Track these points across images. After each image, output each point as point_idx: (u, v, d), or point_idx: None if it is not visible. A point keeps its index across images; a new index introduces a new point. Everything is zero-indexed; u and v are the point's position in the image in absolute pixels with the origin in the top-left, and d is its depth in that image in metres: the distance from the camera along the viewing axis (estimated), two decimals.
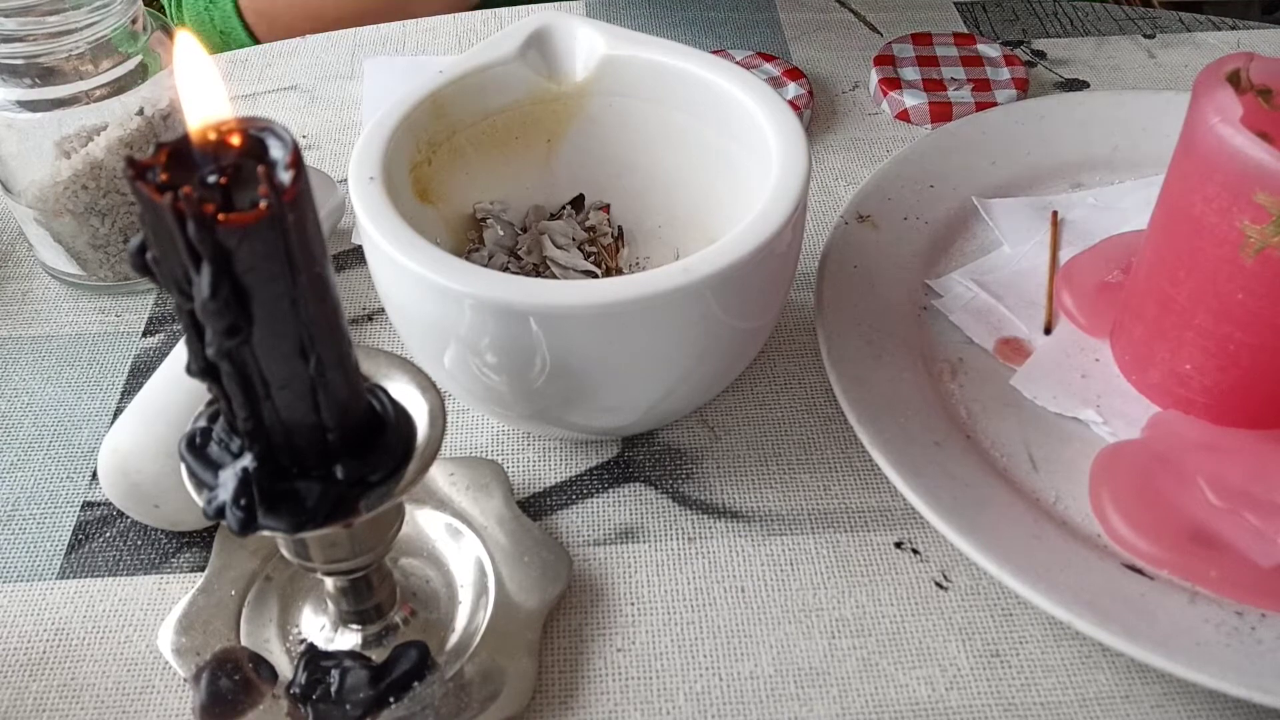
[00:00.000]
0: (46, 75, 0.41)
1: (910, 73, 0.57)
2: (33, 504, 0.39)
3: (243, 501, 0.25)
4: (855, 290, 0.43)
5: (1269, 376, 0.37)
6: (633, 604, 0.36)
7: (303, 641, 0.33)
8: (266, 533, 0.26)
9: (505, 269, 0.43)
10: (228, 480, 0.26)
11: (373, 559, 0.30)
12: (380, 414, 0.28)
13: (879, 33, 0.62)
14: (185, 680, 0.32)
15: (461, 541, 0.36)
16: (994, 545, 0.34)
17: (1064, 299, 0.44)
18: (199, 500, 0.26)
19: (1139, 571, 0.34)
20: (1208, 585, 0.34)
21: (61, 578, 0.37)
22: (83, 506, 0.39)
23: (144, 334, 0.45)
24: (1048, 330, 0.43)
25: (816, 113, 0.56)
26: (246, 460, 0.26)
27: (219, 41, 0.73)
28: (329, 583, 0.32)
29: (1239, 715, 0.33)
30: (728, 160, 0.40)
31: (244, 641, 0.33)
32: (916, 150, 0.49)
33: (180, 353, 0.38)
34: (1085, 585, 0.33)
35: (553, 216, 0.44)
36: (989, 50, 0.58)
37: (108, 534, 0.38)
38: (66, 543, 0.38)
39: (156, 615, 0.35)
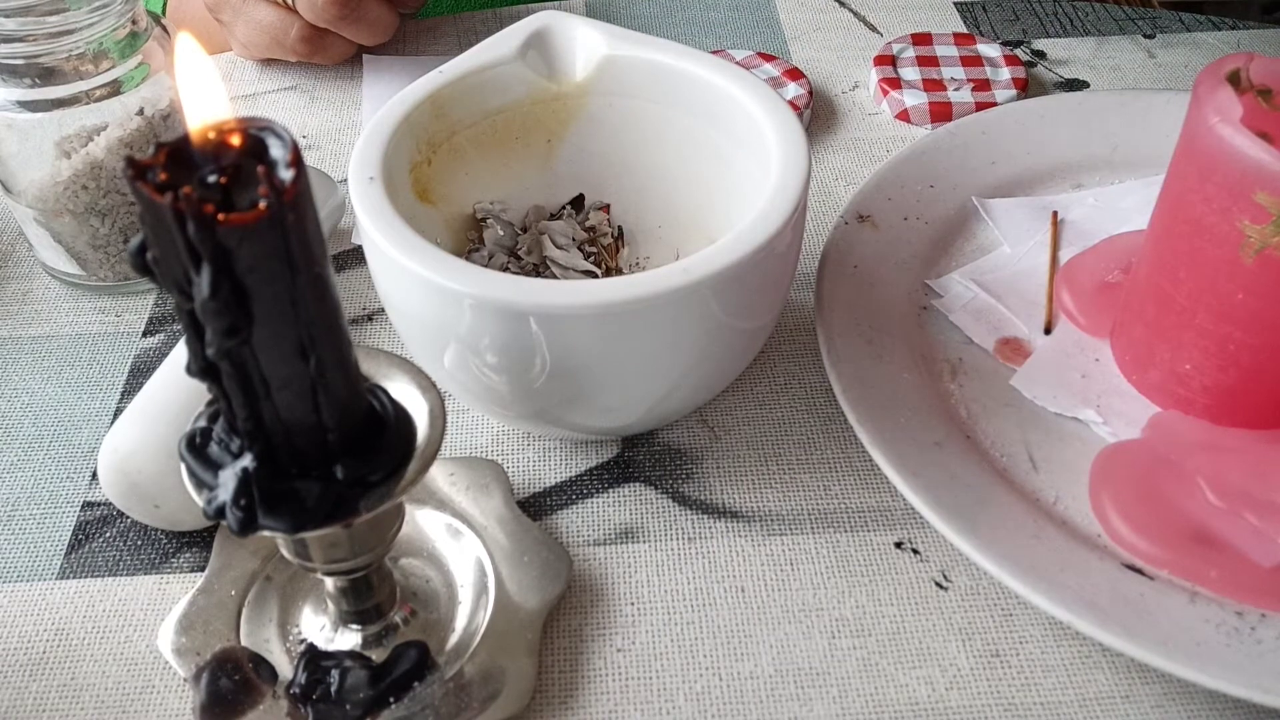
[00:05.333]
0: (46, 75, 0.41)
1: (910, 73, 0.57)
2: (33, 504, 0.39)
3: (243, 501, 0.25)
4: (855, 290, 0.43)
5: (1269, 376, 0.37)
6: (633, 604, 0.36)
7: (303, 641, 0.33)
8: (266, 533, 0.26)
9: (505, 269, 0.43)
10: (228, 480, 0.26)
11: (373, 559, 0.30)
12: (380, 414, 0.28)
13: (879, 33, 0.62)
14: (185, 680, 0.32)
15: (461, 541, 0.36)
16: (994, 545, 0.34)
17: (1064, 299, 0.44)
18: (199, 500, 0.26)
19: (1139, 571, 0.34)
20: (1208, 585, 0.34)
21: (61, 578, 0.37)
22: (83, 506, 0.39)
23: (144, 334, 0.45)
24: (1048, 330, 0.43)
25: (816, 113, 0.56)
26: (246, 460, 0.26)
27: None
28: (329, 583, 0.32)
29: (1239, 715, 0.33)
30: (728, 160, 0.40)
31: (244, 641, 0.33)
32: (916, 150, 0.49)
33: (180, 353, 0.38)
34: (1085, 585, 0.33)
35: (553, 216, 0.44)
36: (989, 50, 0.58)
37: (108, 534, 0.38)
38: (66, 543, 0.38)
39: (156, 615, 0.35)
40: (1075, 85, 0.58)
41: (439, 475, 0.37)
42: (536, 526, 0.36)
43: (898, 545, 0.37)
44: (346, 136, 0.55)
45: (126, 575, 0.37)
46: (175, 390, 0.37)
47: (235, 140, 0.22)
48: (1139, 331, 0.40)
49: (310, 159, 0.53)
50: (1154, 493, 0.36)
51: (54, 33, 0.40)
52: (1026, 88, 0.56)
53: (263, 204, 0.21)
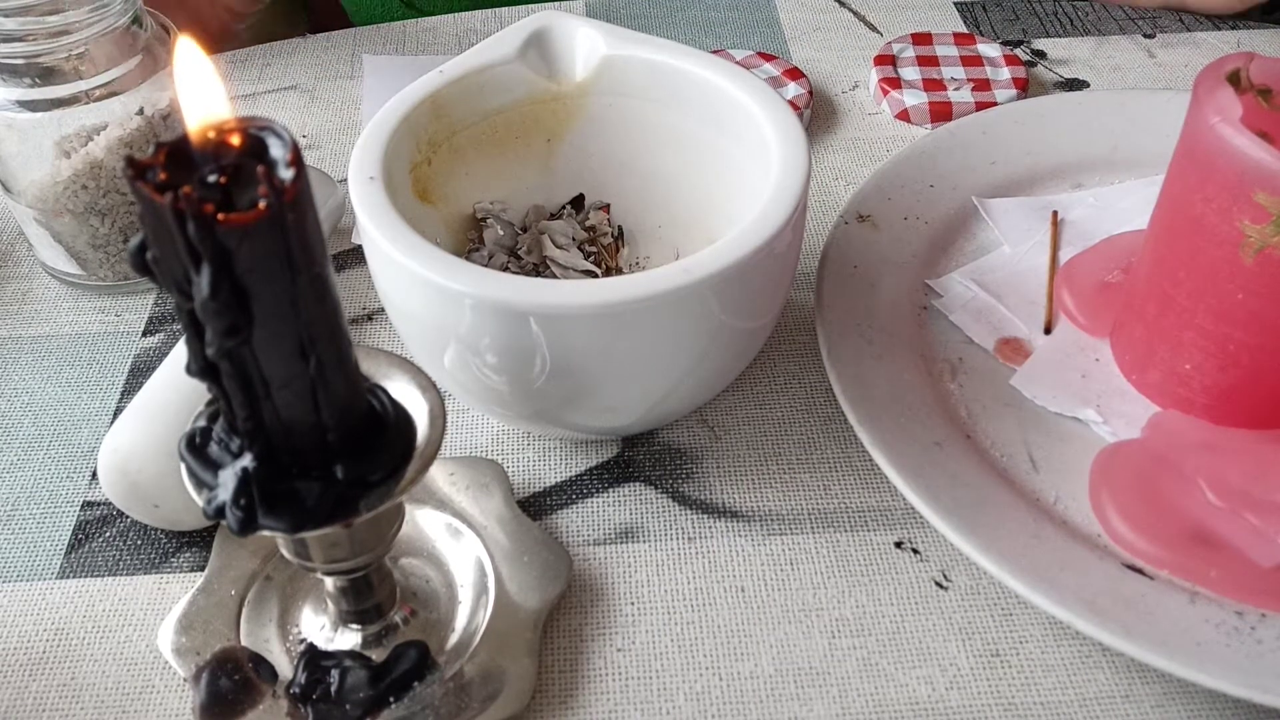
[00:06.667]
0: (46, 75, 0.41)
1: (910, 73, 0.57)
2: (33, 504, 0.39)
3: (243, 501, 0.25)
4: (855, 290, 0.43)
5: (1269, 376, 0.37)
6: (633, 604, 0.36)
7: (303, 641, 0.33)
8: (266, 533, 0.26)
9: (505, 269, 0.43)
10: (228, 480, 0.26)
11: (373, 559, 0.30)
12: (380, 414, 0.28)
13: (879, 33, 0.62)
14: (185, 680, 0.32)
15: (461, 541, 0.36)
16: (994, 545, 0.34)
17: (1064, 299, 0.44)
18: (199, 500, 0.26)
19: (1139, 571, 0.34)
20: (1208, 585, 0.34)
21: (61, 577, 0.37)
22: (83, 506, 0.39)
23: (144, 334, 0.45)
24: (1048, 330, 0.43)
25: (816, 113, 0.56)
26: (246, 460, 0.26)
27: None
28: (329, 583, 0.32)
29: (1239, 715, 0.33)
30: (728, 160, 0.40)
31: (244, 641, 0.33)
32: (916, 150, 0.49)
33: (180, 353, 0.38)
34: (1085, 585, 0.33)
35: (553, 216, 0.44)
36: (989, 50, 0.58)
37: (108, 534, 0.38)
38: (66, 542, 0.38)
39: (156, 615, 0.35)
40: (1075, 85, 0.58)
41: (439, 475, 0.37)
42: (536, 526, 0.36)
43: (898, 545, 0.37)
44: (346, 136, 0.55)
45: (126, 575, 0.37)
46: (175, 390, 0.37)
47: (235, 140, 0.22)
48: (1139, 331, 0.40)
49: (310, 159, 0.53)
50: (1154, 493, 0.36)
51: (54, 32, 0.40)
52: (1026, 88, 0.56)
53: (263, 204, 0.21)
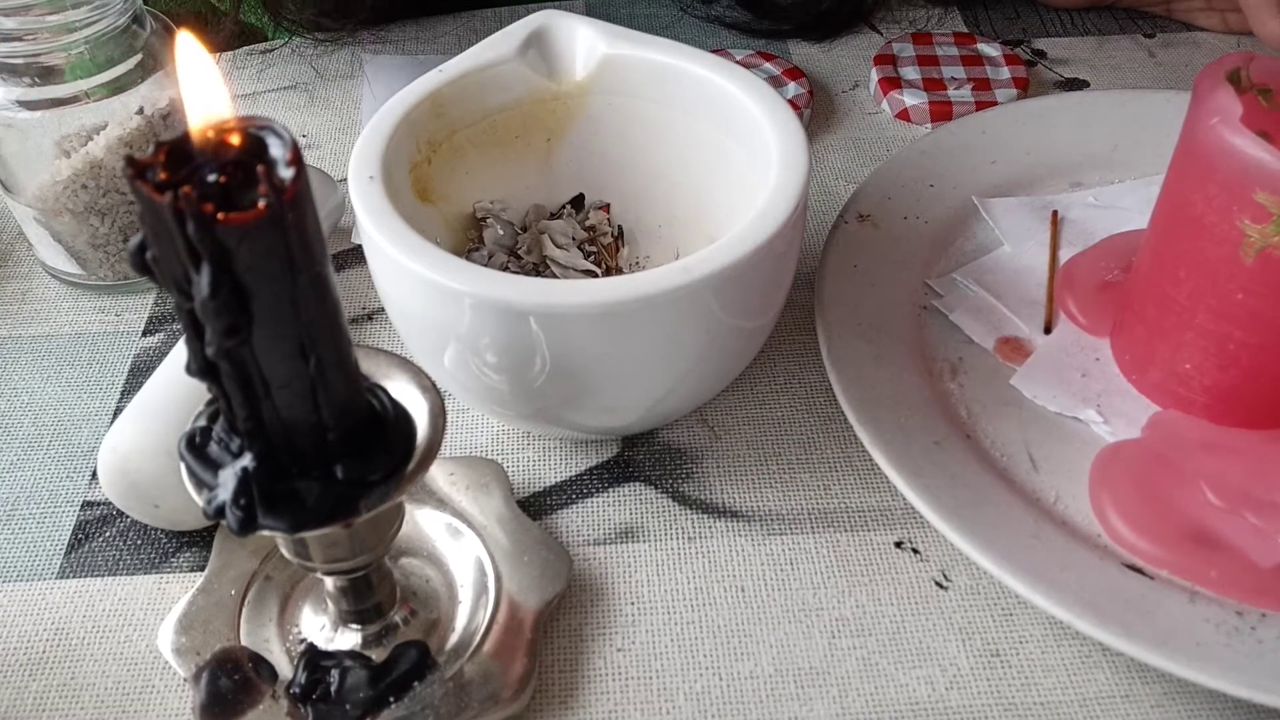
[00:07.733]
0: (46, 75, 0.41)
1: (910, 72, 0.57)
2: (33, 504, 0.39)
3: (243, 501, 0.25)
4: (855, 290, 0.43)
5: (1269, 376, 0.37)
6: (633, 604, 0.36)
7: (303, 641, 0.33)
8: (266, 533, 0.26)
9: (505, 269, 0.42)
10: (228, 480, 0.26)
11: (373, 559, 0.30)
12: (380, 414, 0.28)
13: (879, 33, 0.62)
14: (185, 680, 0.32)
15: (461, 541, 0.36)
16: (994, 545, 0.34)
17: (1064, 299, 0.44)
18: (199, 500, 0.26)
19: (1139, 571, 0.34)
20: (1208, 585, 0.34)
21: (61, 577, 0.37)
22: (83, 506, 0.39)
23: (144, 334, 0.45)
24: (1048, 330, 0.43)
25: (816, 112, 0.56)
26: (246, 460, 0.26)
27: None
28: (329, 582, 0.32)
29: (1239, 715, 0.33)
30: (728, 160, 0.40)
31: (244, 641, 0.33)
32: (916, 150, 0.49)
33: (180, 353, 0.38)
34: (1085, 585, 0.33)
35: (553, 216, 0.44)
36: (989, 50, 0.58)
37: (108, 534, 0.38)
38: (66, 542, 0.38)
39: (156, 615, 0.35)
40: (1075, 85, 0.58)
41: (439, 475, 0.37)
42: (536, 526, 0.36)
43: (898, 545, 0.37)
44: (346, 136, 0.55)
45: (126, 575, 0.37)
46: (175, 390, 0.37)
47: (235, 139, 0.22)
48: (1139, 331, 0.40)
49: (310, 159, 0.53)
50: (1154, 493, 0.36)
51: (54, 32, 0.40)
52: (1027, 87, 0.56)
53: (262, 203, 0.21)
